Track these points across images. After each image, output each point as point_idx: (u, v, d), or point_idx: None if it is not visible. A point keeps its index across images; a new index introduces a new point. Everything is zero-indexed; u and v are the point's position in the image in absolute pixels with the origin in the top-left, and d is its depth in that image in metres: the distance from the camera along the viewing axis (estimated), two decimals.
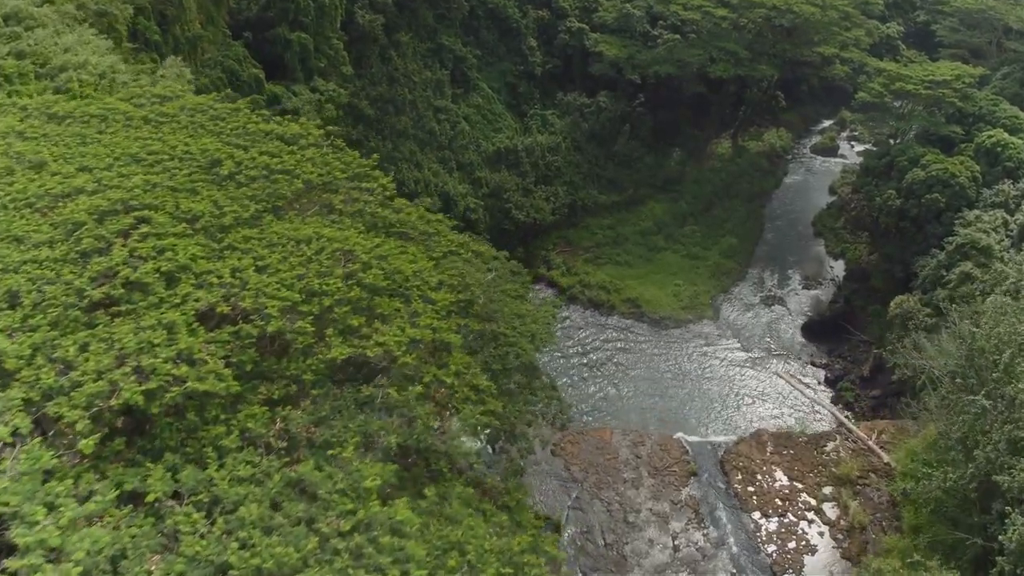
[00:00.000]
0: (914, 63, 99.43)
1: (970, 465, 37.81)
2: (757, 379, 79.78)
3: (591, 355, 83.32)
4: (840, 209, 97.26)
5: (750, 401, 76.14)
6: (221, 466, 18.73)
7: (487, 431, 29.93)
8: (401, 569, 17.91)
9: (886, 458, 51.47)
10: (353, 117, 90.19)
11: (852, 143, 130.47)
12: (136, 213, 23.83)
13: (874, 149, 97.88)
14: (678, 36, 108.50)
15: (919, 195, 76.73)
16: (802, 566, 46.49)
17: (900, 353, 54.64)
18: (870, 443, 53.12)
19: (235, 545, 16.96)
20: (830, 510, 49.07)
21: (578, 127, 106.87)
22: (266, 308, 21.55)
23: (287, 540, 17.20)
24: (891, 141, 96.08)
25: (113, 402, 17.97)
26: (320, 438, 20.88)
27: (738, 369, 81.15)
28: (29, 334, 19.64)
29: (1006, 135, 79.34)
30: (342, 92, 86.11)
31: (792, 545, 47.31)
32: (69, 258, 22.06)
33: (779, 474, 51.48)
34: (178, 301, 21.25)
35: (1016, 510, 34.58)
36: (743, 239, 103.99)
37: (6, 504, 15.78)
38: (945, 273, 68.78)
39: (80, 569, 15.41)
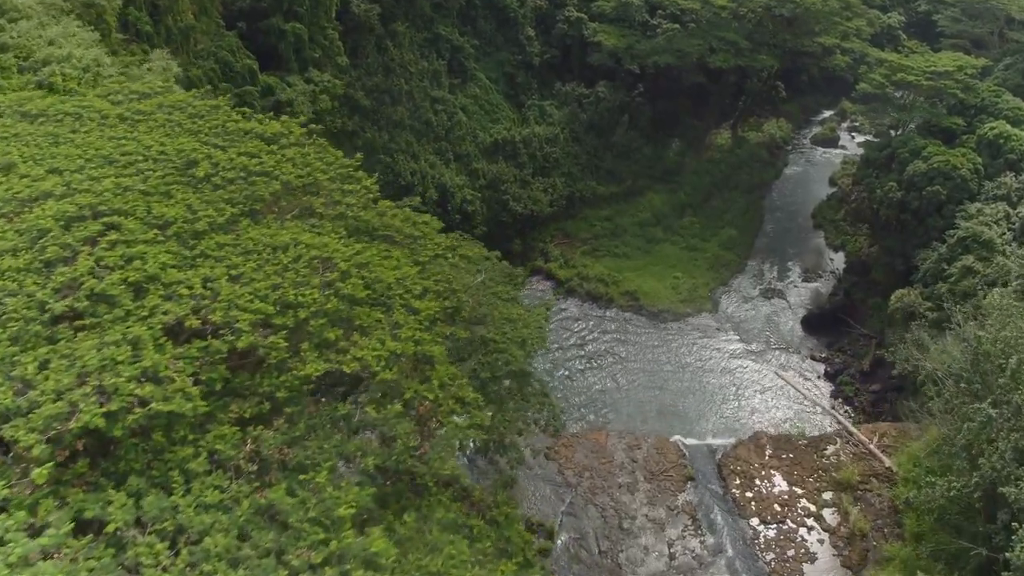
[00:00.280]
0: (916, 53, 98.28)
1: (975, 474, 37.03)
2: (756, 373, 78.98)
3: (589, 348, 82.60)
4: (840, 201, 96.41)
5: (749, 396, 75.25)
6: (187, 491, 17.85)
7: (474, 444, 28.92)
8: None
9: (888, 462, 50.68)
10: (349, 108, 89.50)
11: (853, 134, 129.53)
12: (105, 219, 22.93)
13: (875, 140, 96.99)
14: (677, 26, 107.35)
15: (920, 187, 75.88)
16: (801, 575, 45.69)
17: (902, 354, 53.73)
18: (871, 446, 52.33)
19: None
20: (830, 516, 48.35)
21: (576, 118, 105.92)
22: (237, 322, 20.56)
23: (254, 573, 16.28)
24: (892, 132, 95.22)
25: (72, 425, 17.07)
26: (294, 460, 19.98)
27: (737, 363, 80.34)
28: None
29: (1008, 127, 78.41)
30: (337, 83, 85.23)
31: (791, 553, 46.53)
32: (33, 267, 21.21)
33: (778, 479, 50.76)
34: (145, 314, 20.34)
35: None
36: (742, 231, 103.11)
37: None
38: (946, 267, 68.18)
39: None
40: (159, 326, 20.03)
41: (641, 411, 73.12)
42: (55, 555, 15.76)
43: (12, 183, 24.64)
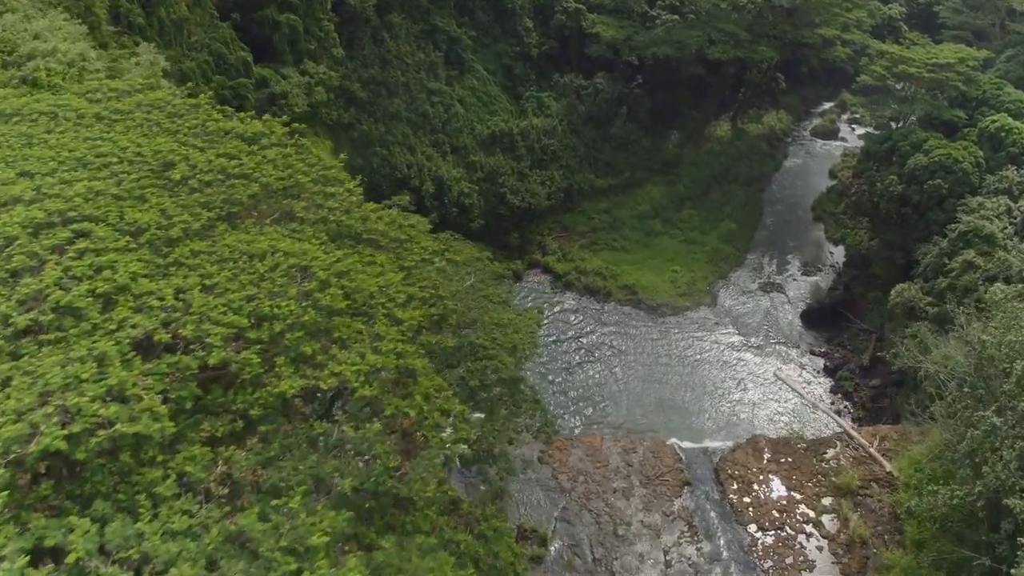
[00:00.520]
0: (917, 45, 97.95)
1: (978, 482, 36.23)
2: (755, 367, 78.50)
3: (587, 342, 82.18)
4: (840, 194, 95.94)
5: (748, 392, 74.73)
6: (155, 516, 17.04)
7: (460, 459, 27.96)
8: None
9: (888, 467, 49.91)
10: (345, 100, 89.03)
11: (853, 126, 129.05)
12: (75, 226, 22.12)
13: (875, 132, 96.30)
14: (676, 17, 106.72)
15: (921, 181, 75.27)
16: None
17: (903, 355, 53.00)
18: (872, 450, 51.57)
19: None
20: (829, 523, 47.59)
21: (575, 109, 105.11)
22: (208, 336, 19.72)
23: None
24: (893, 124, 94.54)
25: (33, 448, 16.28)
26: (267, 482, 19.18)
27: (737, 358, 79.93)
28: None
29: (1010, 120, 77.76)
30: (333, 75, 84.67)
31: (790, 560, 45.77)
32: None
33: (776, 483, 50.03)
34: (113, 327, 19.54)
35: None
36: (742, 224, 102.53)
37: None
38: (947, 261, 67.69)
39: None
40: (127, 340, 19.24)
41: (640, 404, 72.92)
42: None
43: None
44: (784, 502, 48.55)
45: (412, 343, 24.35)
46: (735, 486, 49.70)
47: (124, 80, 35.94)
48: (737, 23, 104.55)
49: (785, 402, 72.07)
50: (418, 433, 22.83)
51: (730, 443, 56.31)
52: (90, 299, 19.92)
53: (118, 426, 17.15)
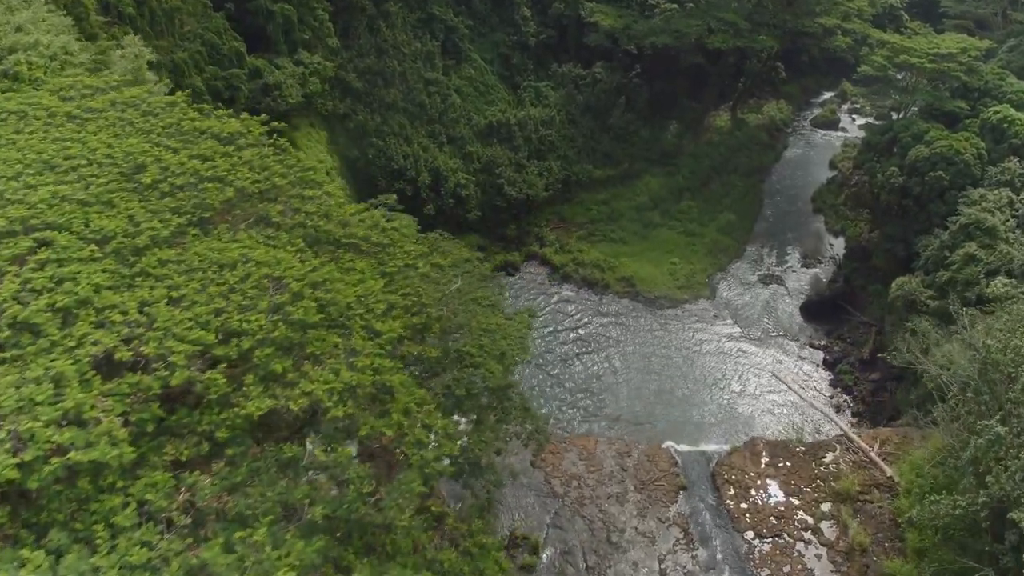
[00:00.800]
0: (918, 35, 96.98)
1: (982, 492, 35.36)
2: (754, 361, 77.88)
3: (585, 335, 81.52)
4: (840, 185, 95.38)
5: (746, 388, 73.99)
6: (113, 548, 16.13)
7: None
8: None
9: (889, 471, 48.96)
10: (340, 90, 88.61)
11: (853, 116, 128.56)
12: (37, 234, 21.18)
13: (876, 123, 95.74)
14: (675, 6, 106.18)
15: (922, 172, 74.56)
16: None
17: (903, 357, 52.18)
18: (872, 454, 50.58)
19: None
20: (828, 529, 46.64)
21: (573, 99, 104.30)
22: (171, 355, 18.76)
23: None
24: (894, 115, 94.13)
25: None
26: (233, 510, 18.23)
27: (735, 353, 79.17)
28: None
29: (1013, 111, 77.08)
30: (328, 65, 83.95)
31: (787, 569, 44.90)
32: None
33: (774, 489, 49.12)
34: (72, 344, 18.67)
35: None
36: (741, 215, 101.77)
37: None
38: (948, 254, 67.08)
39: None
40: (87, 359, 18.34)
41: (638, 396, 72.48)
42: None
43: None
44: (782, 508, 47.65)
45: (392, 356, 23.36)
46: (732, 491, 48.79)
47: (99, 77, 34.85)
48: (737, 12, 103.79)
49: (785, 394, 71.25)
50: (398, 450, 21.91)
51: (727, 446, 55.34)
52: (49, 314, 19.07)
53: (72, 453, 16.32)
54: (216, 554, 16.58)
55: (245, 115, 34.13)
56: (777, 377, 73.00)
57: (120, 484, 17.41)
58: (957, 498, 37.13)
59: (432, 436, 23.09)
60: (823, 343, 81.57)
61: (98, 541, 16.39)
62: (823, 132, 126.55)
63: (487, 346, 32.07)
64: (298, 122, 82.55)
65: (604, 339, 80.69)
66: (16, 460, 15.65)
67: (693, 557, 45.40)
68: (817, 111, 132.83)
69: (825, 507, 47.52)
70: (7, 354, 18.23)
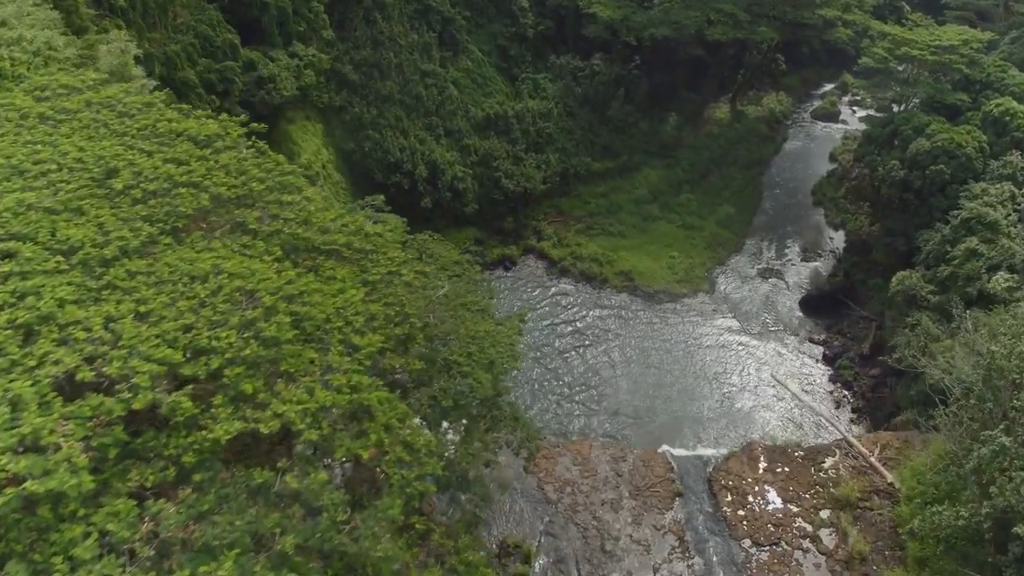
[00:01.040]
0: (919, 27, 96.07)
1: (985, 503, 34.62)
2: (753, 355, 77.60)
3: (582, 329, 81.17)
4: (841, 178, 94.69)
5: (745, 385, 73.53)
6: None
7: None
8: None
9: (890, 478, 48.07)
10: (336, 82, 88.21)
11: (854, 108, 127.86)
12: (1, 245, 20.31)
13: (877, 115, 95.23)
14: None
15: (923, 166, 74.06)
16: None
17: (907, 358, 51.49)
18: (872, 460, 49.70)
19: None
20: (827, 537, 45.70)
21: (571, 91, 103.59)
22: (135, 376, 17.94)
23: None
24: (895, 107, 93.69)
25: None
26: (200, 540, 17.39)
27: (735, 347, 78.75)
28: None
29: (1015, 103, 76.51)
30: (323, 57, 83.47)
31: None
32: None
33: (772, 495, 48.20)
34: (33, 364, 17.86)
35: None
36: (741, 208, 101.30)
37: None
38: (949, 249, 66.62)
39: None
40: (47, 380, 17.52)
41: (636, 392, 72.16)
42: None
43: None
44: (780, 515, 46.68)
45: (373, 370, 22.49)
46: (729, 497, 47.90)
47: (76, 75, 33.88)
48: (736, 3, 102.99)
49: (782, 394, 70.71)
50: (378, 469, 21.06)
51: (724, 451, 54.42)
52: (10, 331, 18.27)
53: (28, 483, 15.56)
54: None
55: (224, 116, 32.94)
56: (777, 379, 72.24)
57: (82, 512, 16.61)
58: (960, 509, 36.45)
59: (413, 455, 22.18)
60: (823, 338, 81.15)
61: (56, 574, 15.63)
62: (823, 124, 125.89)
63: (475, 354, 31.13)
64: (293, 115, 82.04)
65: (602, 333, 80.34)
66: None
67: (689, 566, 44.42)
68: (817, 103, 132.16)
69: (824, 514, 46.57)
70: None
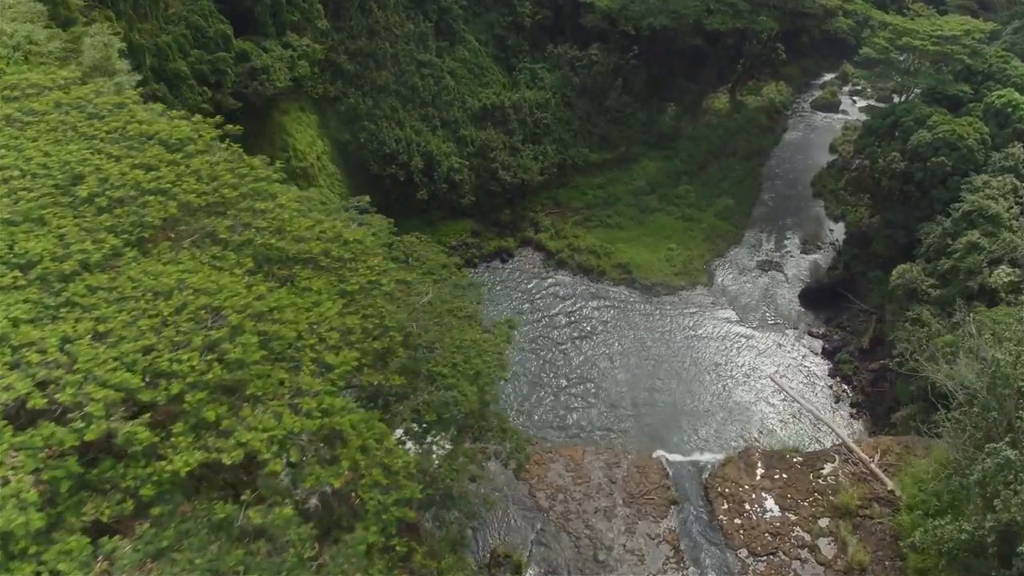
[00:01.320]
0: (921, 17, 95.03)
1: (989, 516, 33.73)
2: (752, 350, 76.85)
3: (580, 323, 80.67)
4: (841, 169, 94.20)
5: (744, 377, 73.09)
6: None
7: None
8: None
9: (890, 485, 47.02)
10: (331, 73, 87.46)
11: (854, 98, 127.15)
12: None
13: (878, 105, 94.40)
14: None
15: (924, 158, 73.43)
16: None
17: (910, 363, 50.67)
18: (872, 466, 48.67)
19: None
20: (826, 547, 44.56)
21: (569, 81, 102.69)
22: (89, 404, 16.91)
23: None
24: (895, 98, 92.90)
25: None
26: None
27: (733, 340, 78.23)
28: None
29: (1017, 95, 75.89)
30: (317, 47, 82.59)
31: None
32: None
33: (770, 503, 47.14)
34: None
35: None
36: (740, 200, 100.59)
37: None
38: (950, 242, 66.15)
39: None
40: None
41: (635, 385, 71.79)
42: None
43: None
44: (778, 523, 45.58)
45: (347, 388, 21.46)
46: (725, 505, 46.87)
47: (48, 73, 32.73)
48: None
49: (780, 392, 70.13)
50: (353, 494, 20.03)
51: (720, 456, 53.36)
52: None
53: None
54: None
55: (198, 117, 31.61)
56: (776, 383, 71.43)
57: (33, 550, 15.72)
58: (963, 524, 35.63)
59: (390, 478, 21.13)
60: (822, 331, 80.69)
61: None
62: (823, 114, 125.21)
63: (460, 365, 30.14)
64: (287, 106, 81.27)
65: (600, 326, 79.98)
66: None
67: None
68: (817, 93, 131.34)
69: (823, 523, 45.41)
70: None
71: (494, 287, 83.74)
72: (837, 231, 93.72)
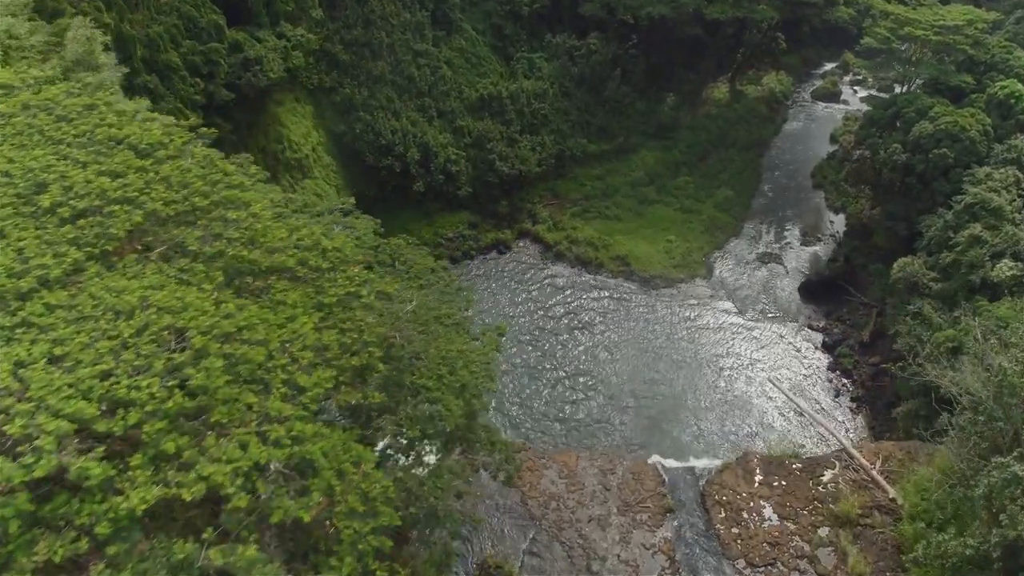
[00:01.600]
0: (923, 6, 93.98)
1: (995, 531, 32.89)
2: (752, 344, 76.11)
3: (577, 315, 79.93)
4: (842, 160, 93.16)
5: (742, 373, 72.25)
6: None
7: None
8: None
9: (892, 492, 45.99)
10: (326, 63, 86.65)
11: (855, 88, 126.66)
12: None
13: (879, 95, 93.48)
14: None
15: (926, 149, 72.53)
16: None
17: (913, 368, 49.79)
18: (874, 473, 47.62)
19: None
20: (826, 557, 43.38)
21: (567, 71, 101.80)
22: (40, 436, 15.95)
23: None
24: (897, 87, 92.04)
25: None
26: None
27: (732, 335, 77.45)
28: None
29: (1020, 86, 75.07)
30: (311, 37, 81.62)
31: None
32: None
33: (768, 511, 45.99)
34: None
35: None
36: (739, 191, 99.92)
37: None
38: (952, 235, 65.35)
39: None
40: None
41: (632, 380, 71.11)
42: None
43: None
44: (776, 533, 44.44)
45: (324, 406, 20.49)
46: (722, 514, 45.82)
47: (18, 72, 31.62)
48: None
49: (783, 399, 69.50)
50: (328, 522, 19.06)
51: (718, 462, 52.27)
52: None
53: None
54: None
55: (170, 119, 30.56)
56: (775, 385, 70.57)
57: None
58: (967, 539, 34.80)
59: (367, 505, 20.14)
60: (822, 325, 79.95)
61: None
62: (824, 104, 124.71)
63: (445, 377, 29.25)
64: (282, 97, 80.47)
65: (598, 318, 79.27)
66: None
67: None
68: (818, 83, 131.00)
69: (823, 532, 44.21)
70: None
71: (491, 280, 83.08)
72: (837, 223, 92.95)
